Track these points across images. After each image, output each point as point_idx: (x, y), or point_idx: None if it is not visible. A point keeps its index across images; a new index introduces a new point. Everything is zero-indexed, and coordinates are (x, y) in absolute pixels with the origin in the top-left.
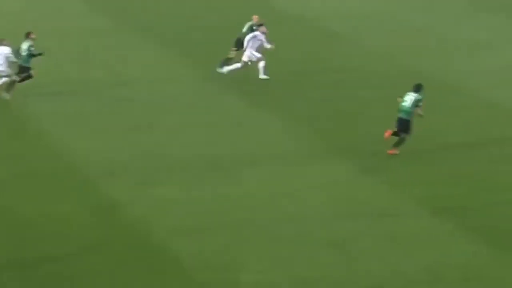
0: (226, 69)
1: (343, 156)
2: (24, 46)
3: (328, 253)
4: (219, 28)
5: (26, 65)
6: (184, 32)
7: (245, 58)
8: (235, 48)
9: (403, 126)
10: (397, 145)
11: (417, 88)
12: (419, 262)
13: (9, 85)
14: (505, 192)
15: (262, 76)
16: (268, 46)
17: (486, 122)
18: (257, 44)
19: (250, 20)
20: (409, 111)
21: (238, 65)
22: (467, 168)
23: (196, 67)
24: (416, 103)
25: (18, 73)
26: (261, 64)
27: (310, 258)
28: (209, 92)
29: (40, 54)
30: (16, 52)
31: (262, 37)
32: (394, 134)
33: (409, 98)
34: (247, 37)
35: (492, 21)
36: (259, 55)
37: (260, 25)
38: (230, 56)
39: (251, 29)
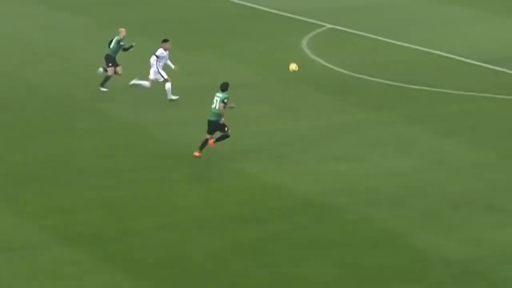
0: (133, 82)
1: None
2: None
3: None
4: None
5: None
6: None
7: (151, 76)
8: (110, 64)
9: (215, 128)
10: (219, 139)
11: (223, 87)
12: None
13: None
14: (136, 220)
15: (170, 97)
16: (172, 66)
17: (127, 145)
18: (163, 62)
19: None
20: (217, 113)
21: (148, 83)
22: (101, 194)
23: None
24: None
25: None
26: (168, 85)
27: None
28: None
29: None
30: None
31: (166, 54)
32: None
33: (216, 100)
34: (154, 56)
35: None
36: (165, 75)
37: (165, 40)
38: (109, 74)
39: (118, 44)
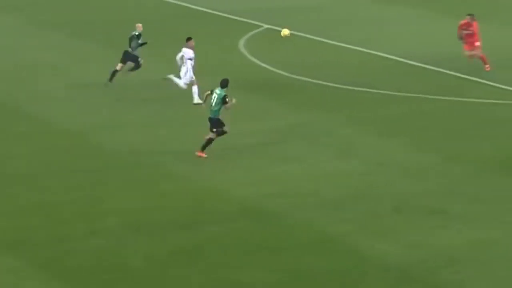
0: (171, 78)
1: None
2: None
3: None
4: None
5: None
6: None
7: (186, 81)
8: (138, 62)
9: (214, 125)
10: (204, 147)
11: (223, 84)
12: None
13: None
14: (70, 225)
15: (197, 101)
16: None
17: (60, 149)
18: (190, 63)
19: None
20: (215, 110)
21: (184, 86)
22: (35, 199)
23: None
24: (220, 101)
25: None
26: (183, 85)
27: None
28: None
29: None
30: None
31: (191, 53)
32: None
33: (214, 97)
34: (184, 58)
35: (55, 40)
36: (187, 80)
37: (189, 39)
38: (117, 68)
39: (138, 38)
